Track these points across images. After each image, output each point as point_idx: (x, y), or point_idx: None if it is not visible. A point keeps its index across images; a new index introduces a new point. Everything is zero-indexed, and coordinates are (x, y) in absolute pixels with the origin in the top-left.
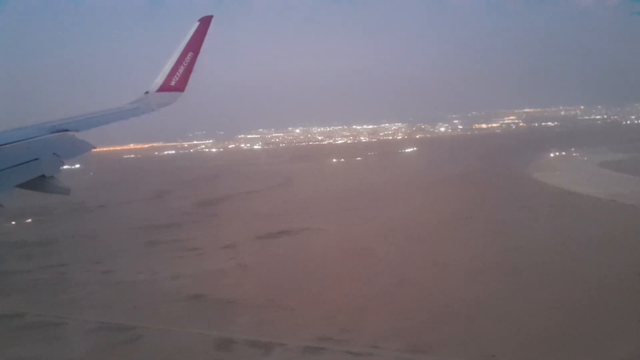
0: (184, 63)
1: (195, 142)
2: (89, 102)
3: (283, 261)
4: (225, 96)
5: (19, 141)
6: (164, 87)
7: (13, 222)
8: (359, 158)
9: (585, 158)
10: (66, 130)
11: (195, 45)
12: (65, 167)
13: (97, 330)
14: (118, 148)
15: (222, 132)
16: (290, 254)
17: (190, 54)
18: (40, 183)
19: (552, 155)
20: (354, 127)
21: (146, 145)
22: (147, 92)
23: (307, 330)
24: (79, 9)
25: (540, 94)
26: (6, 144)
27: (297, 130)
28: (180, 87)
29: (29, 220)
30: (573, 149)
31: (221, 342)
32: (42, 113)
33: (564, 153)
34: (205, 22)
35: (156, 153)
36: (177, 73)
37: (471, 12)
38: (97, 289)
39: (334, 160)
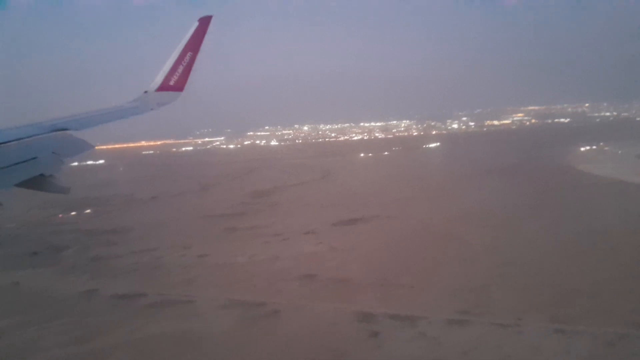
0: (183, 63)
1: (207, 139)
2: (88, 101)
3: (371, 245)
4: (228, 95)
5: (18, 140)
6: (163, 87)
7: (73, 213)
8: (386, 153)
9: (620, 151)
10: (65, 129)
11: (194, 45)
12: (90, 162)
13: (229, 306)
14: (132, 145)
15: (229, 130)
16: (375, 239)
17: (189, 54)
18: (39, 182)
19: (583, 149)
20: (362, 124)
21: (159, 142)
22: (146, 92)
23: (441, 305)
24: (78, 8)
25: (544, 92)
26: (5, 142)
27: (305, 128)
28: (180, 86)
29: (89, 210)
30: (602, 143)
31: (361, 316)
32: (41, 112)
33: (594, 147)
34: (205, 22)
35: (174, 149)
36: (177, 72)
37: (473, 11)
38: (203, 270)
39: (362, 154)
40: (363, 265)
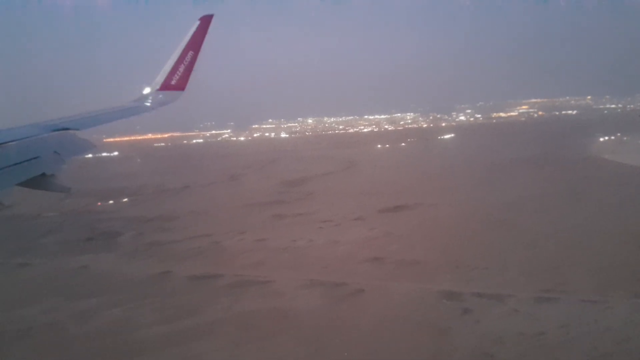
0: (184, 62)
1: (213, 131)
2: (90, 100)
3: (426, 230)
4: (229, 88)
5: (19, 139)
6: (165, 86)
7: (111, 201)
8: (403, 144)
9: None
10: (67, 128)
11: (195, 44)
12: (104, 154)
13: (310, 286)
14: (139, 137)
15: (232, 123)
16: (427, 225)
17: (190, 53)
18: (40, 181)
19: (602, 139)
20: (366, 116)
21: (166, 135)
22: (147, 91)
23: (522, 285)
24: (79, 7)
25: (545, 85)
26: (7, 142)
27: (310, 120)
28: (181, 86)
29: (125, 199)
30: (618, 134)
31: (447, 294)
32: (43, 112)
33: (612, 137)
34: (206, 21)
35: (184, 142)
36: (178, 72)
37: (473, 5)
38: (268, 254)
39: (379, 146)
40: (427, 249)
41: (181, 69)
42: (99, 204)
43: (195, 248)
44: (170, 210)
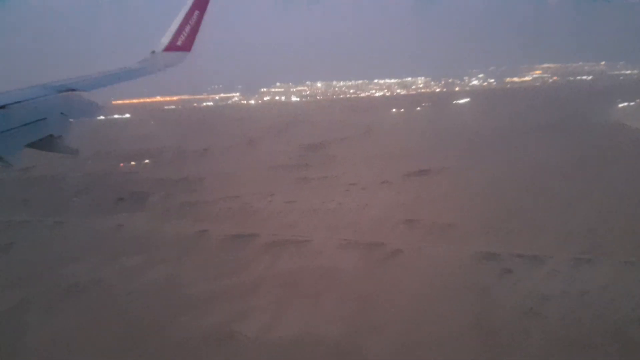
0: (190, 22)
1: (222, 94)
2: (95, 61)
3: (457, 194)
4: (235, 50)
5: (27, 100)
6: (171, 47)
7: (133, 162)
8: (418, 108)
9: None
10: (73, 89)
11: (201, 3)
12: (116, 116)
13: (348, 246)
14: (148, 100)
15: (240, 86)
16: (457, 189)
17: (196, 13)
18: (49, 143)
19: (620, 105)
20: (376, 80)
21: (175, 98)
22: (153, 52)
23: (559, 247)
24: None
25: (557, 50)
26: (14, 103)
27: (319, 84)
28: (187, 46)
29: (147, 161)
30: (638, 100)
31: (485, 255)
32: (48, 73)
33: (632, 104)
34: None
35: (195, 104)
36: (184, 32)
37: None
38: (300, 215)
39: (393, 110)
40: (459, 212)
41: (187, 29)
42: (122, 165)
43: (227, 208)
44: (195, 172)
